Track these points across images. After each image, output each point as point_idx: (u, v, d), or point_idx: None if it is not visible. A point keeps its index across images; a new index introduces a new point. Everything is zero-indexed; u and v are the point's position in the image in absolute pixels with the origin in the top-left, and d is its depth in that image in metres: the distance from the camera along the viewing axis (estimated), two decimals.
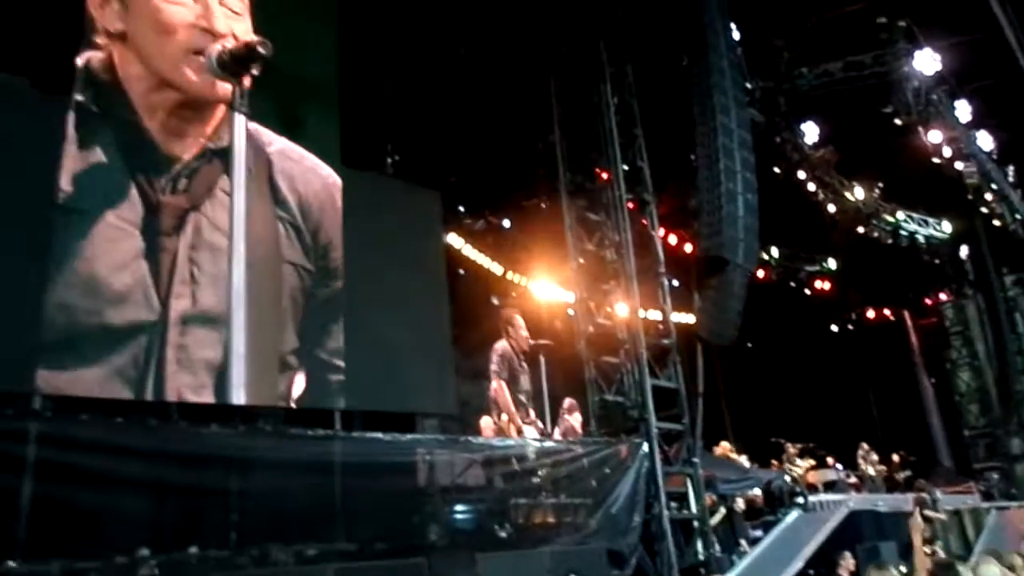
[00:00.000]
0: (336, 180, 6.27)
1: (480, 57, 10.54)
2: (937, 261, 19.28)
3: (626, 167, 9.72)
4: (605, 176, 9.64)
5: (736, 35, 11.77)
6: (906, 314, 20.79)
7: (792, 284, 19.52)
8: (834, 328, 21.24)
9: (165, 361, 4.91)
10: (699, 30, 10.19)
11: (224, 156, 4.70)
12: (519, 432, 7.36)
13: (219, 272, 4.93)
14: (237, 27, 5.05)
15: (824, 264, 19.93)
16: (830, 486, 12.69)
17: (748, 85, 12.47)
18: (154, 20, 4.97)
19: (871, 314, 21.32)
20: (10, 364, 4.59)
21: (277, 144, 5.76)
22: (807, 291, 19.92)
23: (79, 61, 5.05)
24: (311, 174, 6.02)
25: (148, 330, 4.89)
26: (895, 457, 15.40)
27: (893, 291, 20.40)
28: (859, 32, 13.66)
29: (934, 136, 14.80)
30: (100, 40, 5.04)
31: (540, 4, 10.16)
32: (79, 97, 4.96)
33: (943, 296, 19.59)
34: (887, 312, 21.24)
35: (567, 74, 10.01)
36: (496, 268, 14.03)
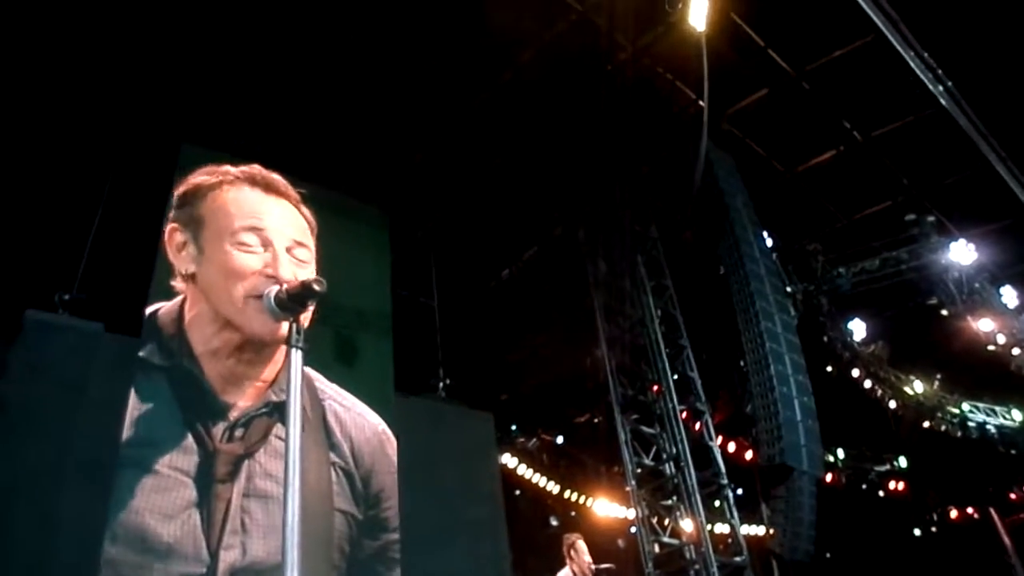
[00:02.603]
0: (386, 429, 6.17)
1: (524, 280, 10.96)
2: (1014, 452, 18.25)
3: (676, 377, 9.71)
4: (656, 388, 9.61)
5: (769, 242, 12.15)
6: (992, 511, 19.39)
7: (864, 487, 18.53)
8: (917, 532, 19.83)
9: None
10: (732, 241, 10.57)
11: (282, 406, 4.75)
12: None
13: (269, 522, 4.84)
14: (301, 274, 5.31)
15: (895, 463, 18.99)
16: None
17: (788, 289, 12.66)
18: (224, 265, 5.19)
19: (954, 514, 19.93)
20: None
21: (328, 389, 5.84)
22: (881, 493, 18.84)
23: (147, 311, 5.33)
24: (362, 420, 6.00)
25: None
26: None
27: (973, 487, 19.20)
28: (891, 229, 13.95)
29: (984, 324, 14.59)
30: (175, 283, 5.33)
31: (577, 223, 10.71)
32: (142, 353, 5.18)
33: None
34: (971, 511, 19.85)
35: (609, 290, 10.30)
36: (552, 487, 13.65)
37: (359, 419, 5.90)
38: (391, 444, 6.13)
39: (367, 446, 5.86)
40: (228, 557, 4.78)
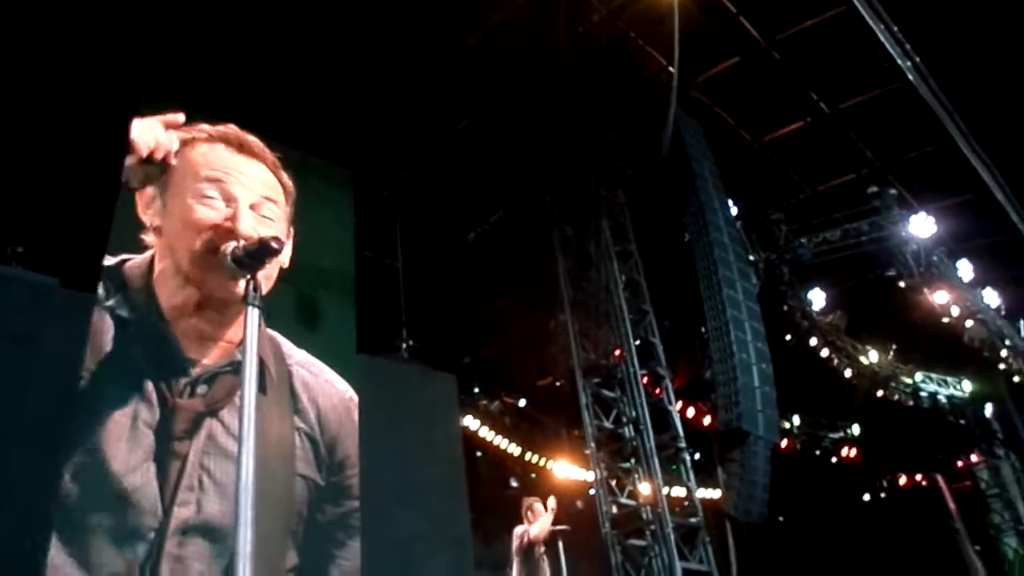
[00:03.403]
0: (353, 396, 6.12)
1: (490, 243, 10.94)
2: (962, 421, 18.81)
3: (638, 342, 9.81)
4: (618, 353, 9.70)
5: (734, 210, 12.24)
6: (939, 478, 20.02)
7: (817, 453, 19.00)
8: (866, 497, 20.43)
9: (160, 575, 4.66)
10: (698, 208, 10.62)
11: None
12: None
13: (228, 481, 4.77)
14: (263, 232, 5.20)
15: (848, 431, 19.48)
16: None
17: (751, 258, 12.80)
18: (185, 218, 5.11)
19: (903, 480, 20.56)
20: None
21: (297, 356, 5.77)
22: (834, 459, 19.34)
23: (112, 261, 5.21)
24: (330, 387, 5.94)
25: (147, 539, 4.65)
26: None
27: (922, 455, 19.78)
28: (853, 200, 14.12)
29: (940, 296, 14.88)
30: (145, 236, 5.23)
31: (544, 187, 10.69)
32: (108, 302, 5.07)
33: (974, 457, 18.93)
34: (919, 478, 20.49)
35: (575, 254, 10.33)
36: (514, 449, 13.79)
37: (327, 386, 5.84)
38: (357, 411, 6.07)
39: (333, 413, 5.81)
40: (181, 513, 4.73)
